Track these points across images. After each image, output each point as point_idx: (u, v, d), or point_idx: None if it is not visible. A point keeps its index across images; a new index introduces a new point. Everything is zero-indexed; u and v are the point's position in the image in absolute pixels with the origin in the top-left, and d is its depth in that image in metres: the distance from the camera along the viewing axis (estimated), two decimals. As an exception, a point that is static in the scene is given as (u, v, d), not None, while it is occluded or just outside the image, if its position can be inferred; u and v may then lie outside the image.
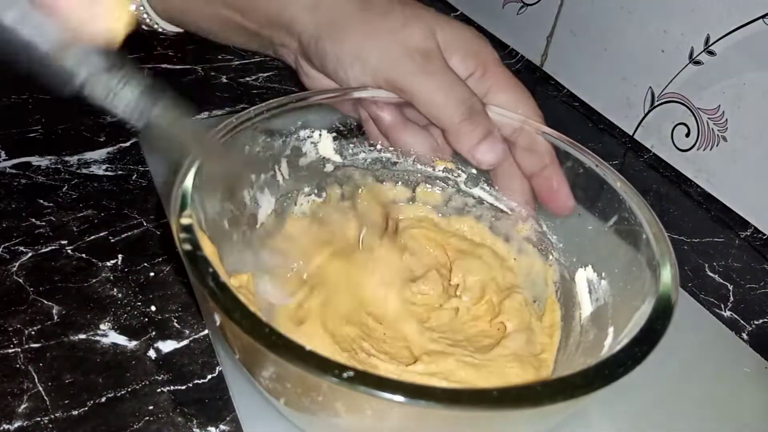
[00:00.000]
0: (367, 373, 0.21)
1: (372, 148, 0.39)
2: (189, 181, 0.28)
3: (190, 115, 0.28)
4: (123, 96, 0.25)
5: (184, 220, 0.26)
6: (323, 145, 0.38)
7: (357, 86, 0.37)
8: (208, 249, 0.26)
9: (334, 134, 0.38)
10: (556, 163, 0.36)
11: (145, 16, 0.43)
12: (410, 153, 0.39)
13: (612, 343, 0.28)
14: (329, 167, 0.38)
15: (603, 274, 0.33)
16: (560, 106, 0.64)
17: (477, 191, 0.40)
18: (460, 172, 0.39)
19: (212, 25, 0.42)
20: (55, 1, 0.21)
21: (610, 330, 0.30)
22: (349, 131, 0.39)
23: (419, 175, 0.40)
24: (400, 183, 0.40)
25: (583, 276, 0.34)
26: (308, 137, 0.37)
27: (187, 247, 0.25)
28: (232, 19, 0.40)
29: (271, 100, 0.34)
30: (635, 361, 0.23)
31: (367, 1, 0.37)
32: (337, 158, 0.39)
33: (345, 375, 0.21)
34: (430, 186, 0.40)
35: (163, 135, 0.27)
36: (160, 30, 0.45)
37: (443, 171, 0.40)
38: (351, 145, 0.39)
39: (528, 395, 0.22)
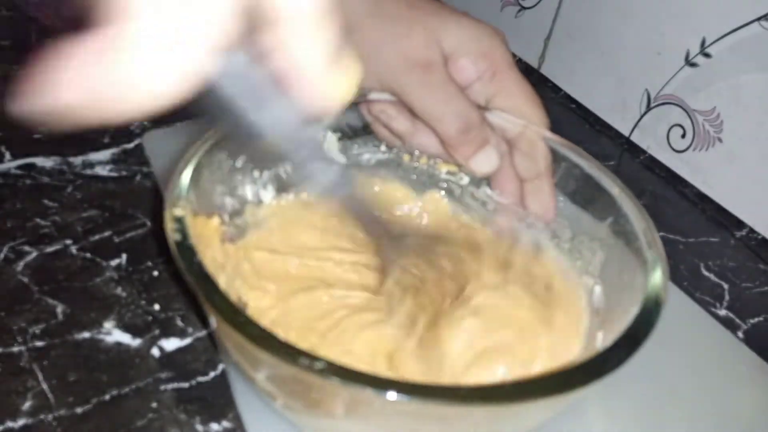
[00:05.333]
0: (338, 365, 0.21)
1: (376, 149, 0.40)
2: (187, 175, 0.28)
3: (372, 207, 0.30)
4: (322, 174, 0.23)
5: (177, 212, 0.27)
6: (327, 145, 0.38)
7: (367, 88, 0.37)
8: (206, 225, 0.28)
9: (339, 134, 0.38)
10: (550, 174, 0.36)
11: None
12: (423, 153, 0.39)
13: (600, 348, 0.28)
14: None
15: (598, 280, 0.34)
16: (557, 108, 0.64)
17: (480, 193, 0.40)
18: (462, 175, 0.40)
19: None
20: (297, 78, 0.18)
21: (599, 335, 0.30)
22: (354, 132, 0.39)
23: (424, 176, 0.40)
24: (404, 184, 0.40)
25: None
26: None
27: (177, 237, 0.26)
28: None
29: None
30: (601, 374, 0.24)
31: (378, 4, 0.37)
32: (342, 158, 0.39)
33: (317, 366, 0.21)
34: (434, 187, 0.40)
35: (350, 211, 0.28)
36: None
37: (447, 173, 0.40)
38: (355, 146, 0.39)
39: (491, 394, 0.22)
